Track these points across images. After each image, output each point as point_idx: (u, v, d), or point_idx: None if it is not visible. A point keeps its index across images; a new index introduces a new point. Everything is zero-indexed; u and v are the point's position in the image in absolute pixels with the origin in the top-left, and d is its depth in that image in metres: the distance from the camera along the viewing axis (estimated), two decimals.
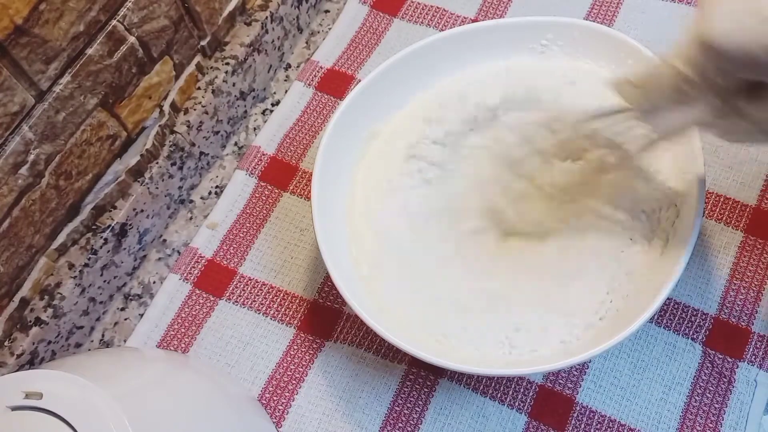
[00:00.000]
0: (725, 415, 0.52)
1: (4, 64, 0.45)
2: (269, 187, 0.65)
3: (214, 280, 0.61)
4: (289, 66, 0.71)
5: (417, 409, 0.55)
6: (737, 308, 0.55)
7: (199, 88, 0.63)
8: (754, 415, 0.52)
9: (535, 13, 0.67)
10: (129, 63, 0.54)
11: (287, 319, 0.59)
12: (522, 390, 0.54)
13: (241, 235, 0.63)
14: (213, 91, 0.63)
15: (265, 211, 0.64)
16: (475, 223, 0.56)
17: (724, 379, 0.53)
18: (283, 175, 0.65)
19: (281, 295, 0.60)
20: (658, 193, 0.55)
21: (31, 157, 0.49)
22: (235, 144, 0.68)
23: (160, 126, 0.60)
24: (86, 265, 0.56)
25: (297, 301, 0.60)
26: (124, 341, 0.60)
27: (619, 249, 0.53)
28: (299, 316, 0.59)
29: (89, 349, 0.59)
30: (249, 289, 0.61)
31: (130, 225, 0.59)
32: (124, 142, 0.58)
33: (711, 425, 0.52)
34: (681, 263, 0.48)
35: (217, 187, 0.66)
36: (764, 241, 0.57)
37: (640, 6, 0.68)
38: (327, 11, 0.74)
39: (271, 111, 0.69)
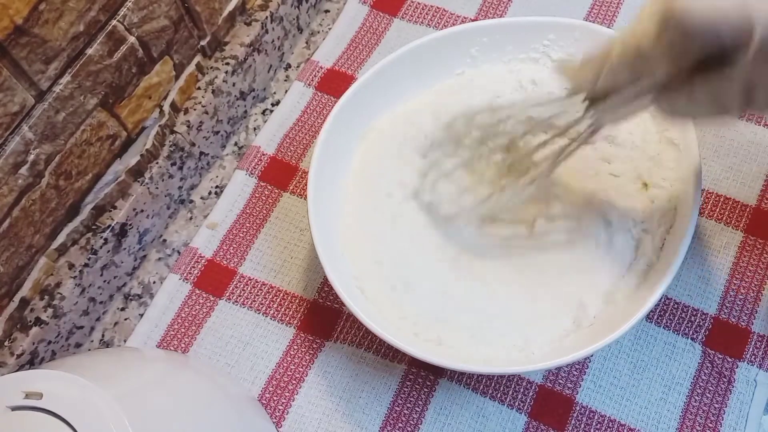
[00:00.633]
0: (725, 415, 0.52)
1: (4, 64, 0.45)
2: (269, 187, 0.65)
3: (214, 280, 0.61)
4: (289, 66, 0.71)
5: (417, 409, 0.55)
6: (737, 308, 0.55)
7: (199, 88, 0.63)
8: (753, 415, 0.52)
9: (535, 13, 0.67)
10: (129, 63, 0.54)
11: (287, 319, 0.59)
12: (522, 390, 0.54)
13: (241, 235, 0.63)
14: (213, 91, 0.63)
15: (265, 211, 0.64)
16: (472, 222, 0.56)
17: (724, 379, 0.53)
18: (283, 175, 0.65)
19: (281, 295, 0.60)
20: (655, 192, 0.55)
21: (31, 157, 0.49)
22: (235, 144, 0.68)
23: (160, 126, 0.60)
24: (86, 265, 0.56)
25: (297, 301, 0.60)
26: (124, 341, 0.60)
27: (617, 245, 0.53)
28: (299, 316, 0.59)
29: (89, 349, 0.59)
30: (249, 289, 0.61)
31: (130, 225, 0.59)
32: (124, 142, 0.58)
33: (711, 425, 0.52)
34: (678, 259, 0.49)
35: (217, 187, 0.66)
36: (764, 241, 0.57)
37: (640, 6, 0.68)
38: (327, 11, 0.74)
39: (271, 111, 0.69)
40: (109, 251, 0.58)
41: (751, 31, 0.34)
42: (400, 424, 0.54)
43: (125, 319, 0.61)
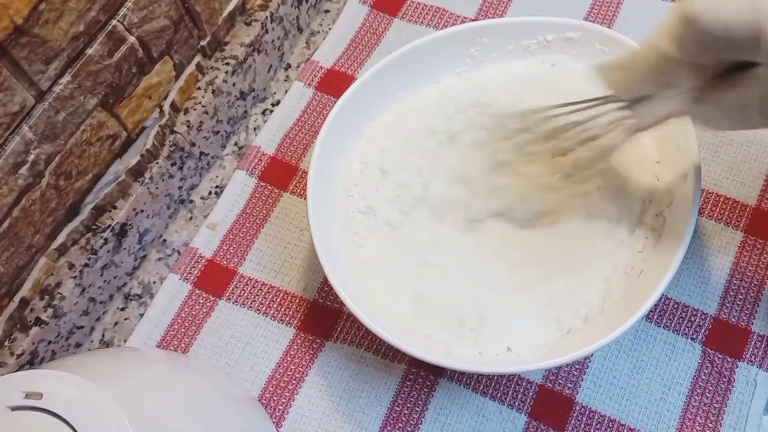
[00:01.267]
0: (725, 415, 0.52)
1: (4, 64, 0.45)
2: (269, 187, 0.65)
3: (214, 280, 0.61)
4: (289, 66, 0.71)
5: (417, 409, 0.55)
6: (737, 308, 0.55)
7: (199, 88, 0.63)
8: (753, 415, 0.52)
9: (535, 13, 0.67)
10: (129, 63, 0.55)
11: (287, 319, 0.59)
12: (522, 390, 0.54)
13: (241, 235, 0.63)
14: (213, 91, 0.63)
15: (265, 211, 0.64)
16: (472, 217, 0.56)
17: (724, 379, 0.53)
18: (283, 175, 0.65)
19: (281, 295, 0.60)
20: (654, 190, 0.55)
21: (31, 157, 0.49)
22: (235, 144, 0.68)
23: (160, 126, 0.60)
24: (86, 265, 0.56)
25: (297, 301, 0.60)
26: (124, 341, 0.60)
27: (615, 245, 0.53)
28: (299, 316, 0.59)
29: (89, 349, 0.59)
30: (249, 289, 0.61)
31: (130, 225, 0.59)
32: (124, 142, 0.58)
33: (711, 425, 0.52)
34: (678, 259, 0.49)
35: (217, 187, 0.66)
36: (764, 241, 0.57)
37: (640, 6, 0.68)
38: (327, 11, 0.74)
39: (271, 111, 0.69)
40: (109, 251, 0.58)
41: (762, 35, 0.34)
42: (400, 424, 0.54)
43: (125, 319, 0.61)
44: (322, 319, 0.59)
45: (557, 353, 0.49)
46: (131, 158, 0.59)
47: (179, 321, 0.60)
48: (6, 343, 0.53)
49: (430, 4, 0.71)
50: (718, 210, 0.59)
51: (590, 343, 0.48)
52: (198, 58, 0.62)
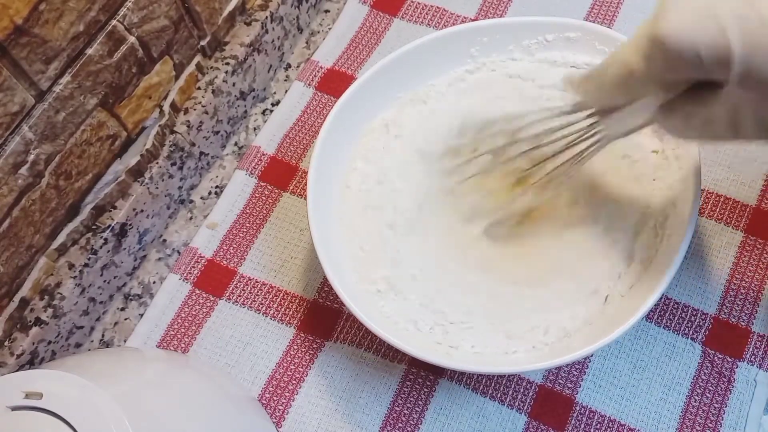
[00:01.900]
0: (725, 415, 0.52)
1: (4, 64, 0.45)
2: (269, 187, 0.65)
3: (214, 280, 0.61)
4: (289, 66, 0.71)
5: (417, 409, 0.55)
6: (737, 308, 0.55)
7: (199, 88, 0.63)
8: (753, 414, 0.52)
9: (535, 13, 0.67)
10: (129, 63, 0.55)
11: (287, 319, 0.59)
12: (522, 390, 0.54)
13: (241, 235, 0.63)
14: (213, 91, 0.63)
15: (265, 211, 0.64)
16: (474, 219, 0.56)
17: (724, 379, 0.53)
18: (283, 175, 0.65)
19: (281, 295, 0.60)
20: (654, 190, 0.55)
21: (31, 157, 0.49)
22: (235, 144, 0.68)
23: (160, 126, 0.60)
24: (86, 265, 0.56)
25: (297, 301, 0.60)
26: (124, 341, 0.60)
27: (615, 246, 0.53)
28: (299, 316, 0.59)
29: (89, 349, 0.59)
30: (249, 289, 0.61)
31: (130, 225, 0.59)
32: (124, 142, 0.58)
33: (711, 425, 0.52)
34: (678, 259, 0.49)
35: (217, 187, 0.66)
36: (764, 241, 0.57)
37: (640, 6, 0.68)
38: (327, 11, 0.74)
39: (271, 111, 0.69)
40: (109, 251, 0.58)
41: (730, 57, 0.35)
42: (400, 424, 0.54)
43: (125, 319, 0.61)
44: (322, 319, 0.59)
45: (557, 353, 0.49)
46: (131, 158, 0.59)
47: (179, 321, 0.60)
48: (6, 343, 0.53)
49: (430, 4, 0.71)
50: (718, 210, 0.59)
51: (590, 343, 0.48)
52: (198, 58, 0.62)
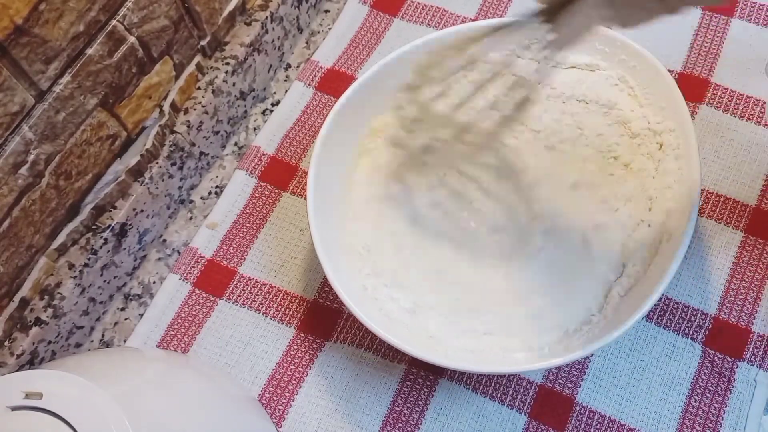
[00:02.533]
0: (725, 415, 0.52)
1: (4, 64, 0.45)
2: (269, 187, 0.65)
3: (214, 280, 0.61)
4: (289, 66, 0.71)
5: (417, 409, 0.55)
6: (737, 308, 0.55)
7: (199, 88, 0.63)
8: (753, 415, 0.52)
9: None
10: (129, 63, 0.55)
11: (287, 319, 0.59)
12: (522, 390, 0.54)
13: (241, 235, 0.63)
14: (213, 91, 0.63)
15: (265, 211, 0.64)
16: (473, 217, 0.56)
17: (724, 379, 0.53)
18: (283, 175, 0.65)
19: (281, 295, 0.60)
20: (653, 191, 0.55)
21: (31, 157, 0.49)
22: (235, 144, 0.68)
23: (160, 126, 0.60)
24: (86, 265, 0.56)
25: (297, 301, 0.60)
26: (124, 341, 0.60)
27: (615, 246, 0.53)
28: (299, 316, 0.59)
29: (89, 349, 0.59)
30: (249, 289, 0.61)
31: (130, 225, 0.59)
32: (124, 142, 0.58)
33: (711, 425, 0.52)
34: (678, 259, 0.49)
35: (217, 187, 0.66)
36: (764, 241, 0.57)
37: None
38: (327, 11, 0.74)
39: (271, 111, 0.69)
40: (109, 251, 0.58)
41: None
42: (400, 424, 0.54)
43: (125, 319, 0.61)
44: (322, 319, 0.59)
45: (557, 353, 0.49)
46: (131, 158, 0.59)
47: (179, 321, 0.60)
48: (6, 343, 0.53)
49: (430, 4, 0.71)
50: (718, 210, 0.59)
51: (590, 343, 0.48)
52: (198, 58, 0.62)
